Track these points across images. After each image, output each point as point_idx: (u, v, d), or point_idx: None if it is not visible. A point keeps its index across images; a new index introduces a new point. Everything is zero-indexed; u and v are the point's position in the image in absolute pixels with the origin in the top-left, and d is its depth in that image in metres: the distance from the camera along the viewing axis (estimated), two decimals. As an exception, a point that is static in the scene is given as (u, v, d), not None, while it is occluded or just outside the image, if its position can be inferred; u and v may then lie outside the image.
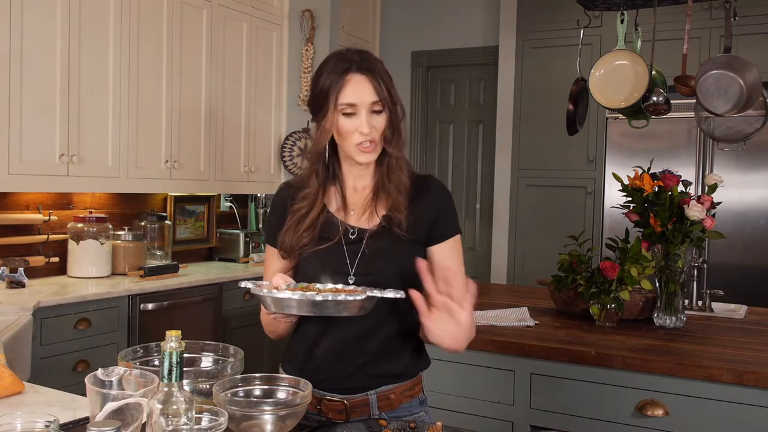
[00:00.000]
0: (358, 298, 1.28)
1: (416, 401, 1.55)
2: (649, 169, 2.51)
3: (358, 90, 1.42)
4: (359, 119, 1.43)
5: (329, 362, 1.48)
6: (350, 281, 1.44)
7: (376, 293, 1.31)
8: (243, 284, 1.37)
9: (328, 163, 1.52)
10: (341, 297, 1.27)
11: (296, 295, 1.27)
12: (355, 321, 1.39)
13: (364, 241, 1.46)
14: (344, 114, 1.43)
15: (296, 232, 1.48)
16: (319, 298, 1.27)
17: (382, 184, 1.49)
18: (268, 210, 4.48)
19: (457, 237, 1.54)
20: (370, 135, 1.42)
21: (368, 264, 1.45)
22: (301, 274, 1.49)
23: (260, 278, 1.50)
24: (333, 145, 1.51)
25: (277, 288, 1.34)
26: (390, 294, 1.30)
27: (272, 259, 1.57)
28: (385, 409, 1.49)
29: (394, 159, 1.49)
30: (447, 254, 1.52)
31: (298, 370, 1.50)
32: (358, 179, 1.54)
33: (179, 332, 1.02)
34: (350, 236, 1.48)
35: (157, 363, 1.36)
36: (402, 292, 1.30)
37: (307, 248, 1.48)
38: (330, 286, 1.40)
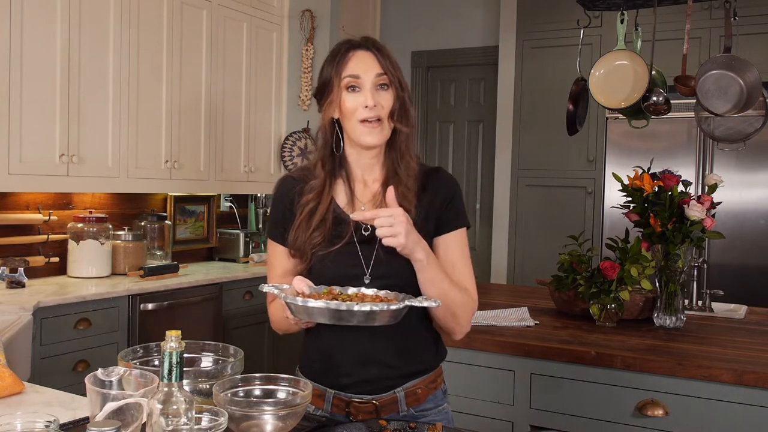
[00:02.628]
0: (393, 307, 1.24)
1: (440, 392, 1.54)
2: (649, 169, 2.51)
3: (362, 63, 1.40)
4: (363, 94, 1.39)
5: (352, 367, 1.45)
6: (366, 281, 1.40)
7: (415, 303, 1.27)
8: (265, 289, 1.31)
9: (335, 152, 1.47)
10: (378, 307, 1.23)
11: (332, 305, 1.23)
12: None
13: (378, 240, 1.40)
14: (348, 89, 1.40)
15: (307, 230, 1.43)
16: (355, 308, 1.22)
17: (394, 171, 1.45)
18: (268, 209, 4.48)
19: (463, 230, 1.50)
20: (375, 111, 1.38)
21: (384, 266, 1.41)
22: (315, 276, 1.42)
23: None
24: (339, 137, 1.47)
25: (302, 293, 1.30)
26: (426, 303, 1.26)
27: (278, 257, 1.51)
28: (412, 405, 1.47)
29: (404, 141, 1.44)
30: (451, 246, 1.48)
31: (318, 375, 1.47)
32: (367, 171, 1.49)
33: (179, 332, 1.02)
34: (363, 233, 1.44)
35: (157, 363, 1.36)
36: (439, 301, 1.27)
37: (319, 249, 1.43)
38: (351, 290, 1.36)
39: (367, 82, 1.40)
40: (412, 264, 1.36)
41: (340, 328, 1.40)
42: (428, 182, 1.49)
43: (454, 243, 1.49)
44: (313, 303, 1.23)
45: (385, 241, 1.31)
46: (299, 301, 1.25)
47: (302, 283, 1.32)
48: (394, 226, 1.29)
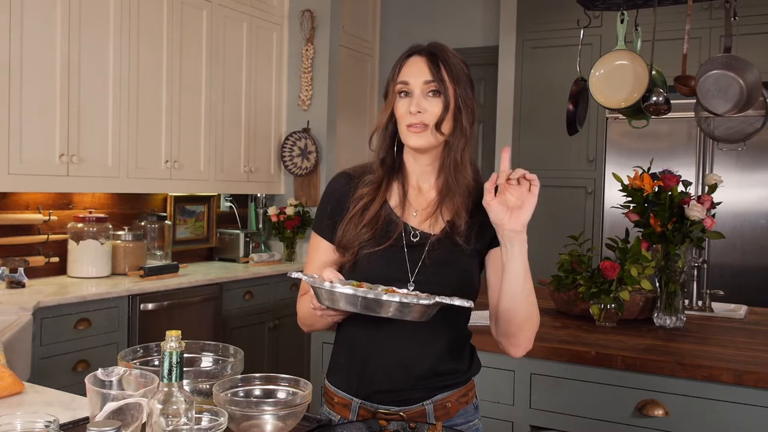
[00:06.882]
0: (424, 302, 1.21)
1: (471, 407, 1.51)
2: (649, 169, 2.51)
3: (413, 69, 1.40)
4: (410, 99, 1.40)
5: (384, 375, 1.41)
6: (410, 288, 1.38)
7: (445, 300, 1.23)
8: (294, 275, 1.29)
9: (395, 154, 1.46)
10: (408, 300, 1.19)
11: (360, 292, 1.18)
12: (410, 331, 1.35)
13: (426, 248, 1.40)
14: (400, 95, 1.41)
15: (358, 225, 1.42)
16: (385, 297, 1.18)
17: (449, 187, 1.42)
18: (268, 210, 4.47)
19: None
20: (418, 117, 1.38)
21: (430, 274, 1.39)
22: (358, 273, 1.40)
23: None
24: (400, 144, 1.47)
25: (330, 282, 1.26)
26: (457, 302, 1.23)
27: (318, 250, 1.49)
28: (442, 419, 1.43)
29: (459, 154, 1.41)
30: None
31: (348, 382, 1.45)
32: (422, 178, 1.47)
33: (179, 332, 1.02)
34: (412, 238, 1.42)
35: (157, 363, 1.36)
36: (471, 301, 1.25)
37: (367, 246, 1.41)
38: (382, 288, 1.33)
39: (415, 88, 1.39)
40: (504, 245, 1.33)
41: (375, 336, 1.39)
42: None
43: None
44: (341, 288, 1.20)
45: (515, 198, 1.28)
46: (327, 285, 1.21)
47: (332, 275, 1.29)
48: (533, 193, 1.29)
